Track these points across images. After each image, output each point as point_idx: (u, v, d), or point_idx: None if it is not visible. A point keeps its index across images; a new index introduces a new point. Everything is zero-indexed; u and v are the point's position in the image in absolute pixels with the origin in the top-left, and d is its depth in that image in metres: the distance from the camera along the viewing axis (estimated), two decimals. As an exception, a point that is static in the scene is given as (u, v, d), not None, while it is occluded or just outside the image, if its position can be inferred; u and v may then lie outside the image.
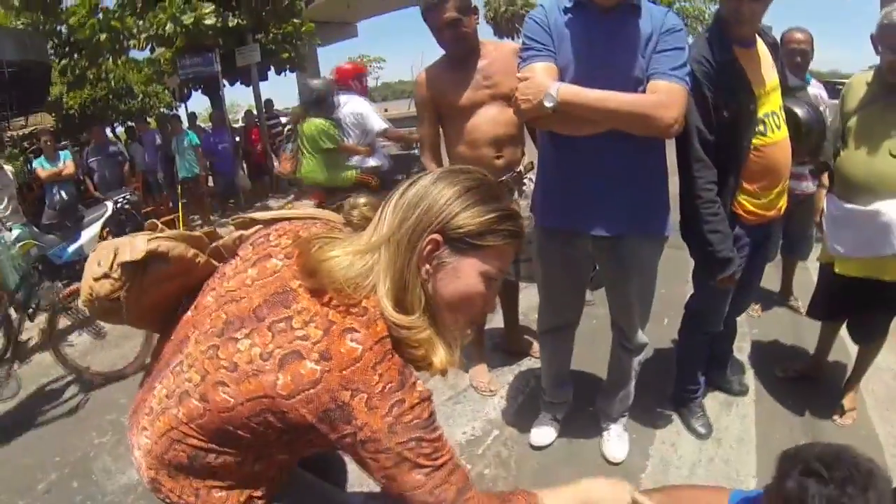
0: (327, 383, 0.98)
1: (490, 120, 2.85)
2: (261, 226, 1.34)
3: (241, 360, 1.05)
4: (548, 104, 1.99)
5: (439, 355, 1.10)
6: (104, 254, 1.19)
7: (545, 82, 2.02)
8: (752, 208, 2.40)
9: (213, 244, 1.33)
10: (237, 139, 11.76)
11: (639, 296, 2.39)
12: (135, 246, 1.17)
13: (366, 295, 1.06)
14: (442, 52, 2.89)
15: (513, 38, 49.69)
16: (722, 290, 2.47)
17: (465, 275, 1.09)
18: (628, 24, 2.05)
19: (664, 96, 1.97)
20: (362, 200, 1.24)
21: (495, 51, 2.91)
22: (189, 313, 1.24)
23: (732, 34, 2.25)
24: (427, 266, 1.09)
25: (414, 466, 1.03)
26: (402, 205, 1.10)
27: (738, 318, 3.07)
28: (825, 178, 2.93)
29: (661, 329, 3.48)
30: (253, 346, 1.04)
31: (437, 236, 1.07)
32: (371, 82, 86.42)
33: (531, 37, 2.19)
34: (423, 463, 1.03)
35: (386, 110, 5.76)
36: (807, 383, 3.16)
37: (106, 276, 1.17)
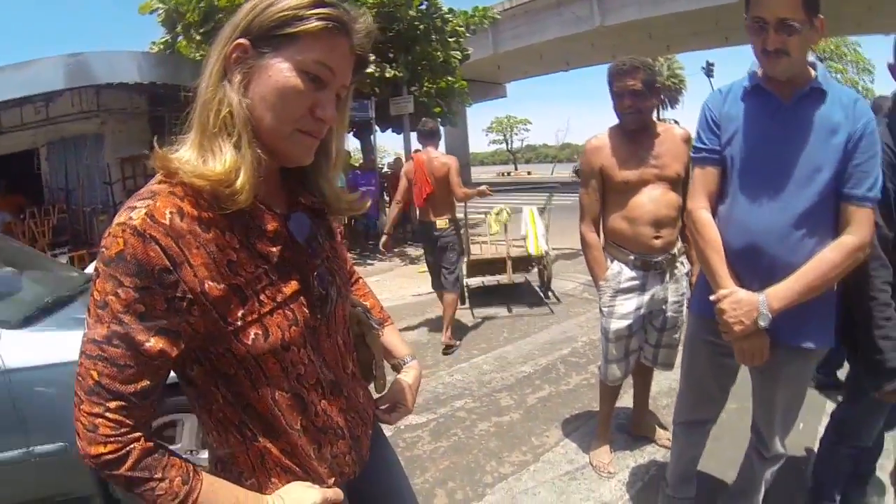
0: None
1: (654, 199, 2.89)
2: None
3: None
4: (763, 323, 1.92)
5: (240, 178, 0.96)
6: None
7: (752, 301, 1.92)
8: None
9: None
10: (384, 183, 12.36)
11: (785, 405, 2.25)
12: None
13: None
14: (590, 124, 2.97)
15: (658, 110, 49.73)
16: (881, 402, 2.26)
17: (275, 70, 0.98)
18: (812, 112, 1.93)
19: (860, 233, 1.89)
20: None
21: (665, 133, 2.97)
22: None
23: None
24: (237, 76, 0.98)
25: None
26: None
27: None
28: None
29: (795, 434, 3.20)
30: None
31: (241, 40, 0.98)
32: (516, 143, 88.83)
33: (699, 132, 2.17)
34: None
35: (529, 173, 5.93)
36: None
37: None
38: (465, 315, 6.64)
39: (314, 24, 0.97)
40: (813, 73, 1.96)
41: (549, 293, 7.43)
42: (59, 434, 2.48)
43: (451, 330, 5.64)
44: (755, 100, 2.04)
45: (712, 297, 2.04)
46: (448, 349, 5.52)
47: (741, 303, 1.95)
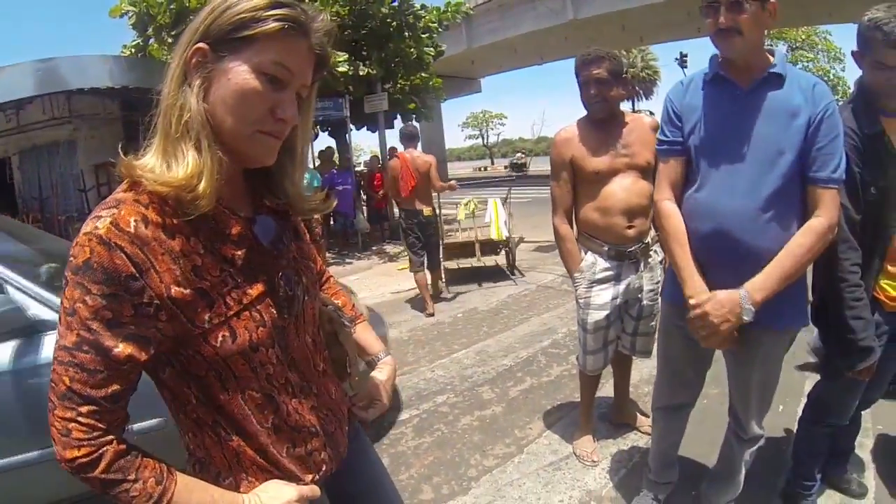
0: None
1: (625, 188, 2.90)
2: None
3: None
4: (747, 318, 1.94)
5: (202, 183, 0.97)
6: None
7: (734, 299, 1.94)
8: (894, 294, 2.26)
9: None
10: (361, 182, 12.35)
11: (760, 386, 2.27)
12: None
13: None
14: (565, 117, 2.98)
15: (633, 101, 50.07)
16: (855, 381, 2.31)
17: (234, 73, 0.99)
18: (772, 96, 1.97)
19: (828, 215, 1.92)
20: None
21: (633, 121, 2.99)
22: None
23: (879, 104, 2.13)
24: (196, 80, 0.99)
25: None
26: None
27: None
28: None
29: (775, 416, 3.27)
30: None
31: (200, 45, 0.99)
32: (492, 138, 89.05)
33: (662, 125, 2.21)
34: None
35: (506, 167, 6.56)
36: (937, 487, 2.85)
37: None
38: (444, 308, 6.87)
39: (271, 25, 0.98)
40: (771, 58, 2.00)
41: (515, 271, 8.48)
42: (156, 409, 2.49)
43: (439, 286, 7.38)
44: (715, 88, 2.07)
45: (691, 310, 2.05)
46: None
47: (723, 303, 1.96)
